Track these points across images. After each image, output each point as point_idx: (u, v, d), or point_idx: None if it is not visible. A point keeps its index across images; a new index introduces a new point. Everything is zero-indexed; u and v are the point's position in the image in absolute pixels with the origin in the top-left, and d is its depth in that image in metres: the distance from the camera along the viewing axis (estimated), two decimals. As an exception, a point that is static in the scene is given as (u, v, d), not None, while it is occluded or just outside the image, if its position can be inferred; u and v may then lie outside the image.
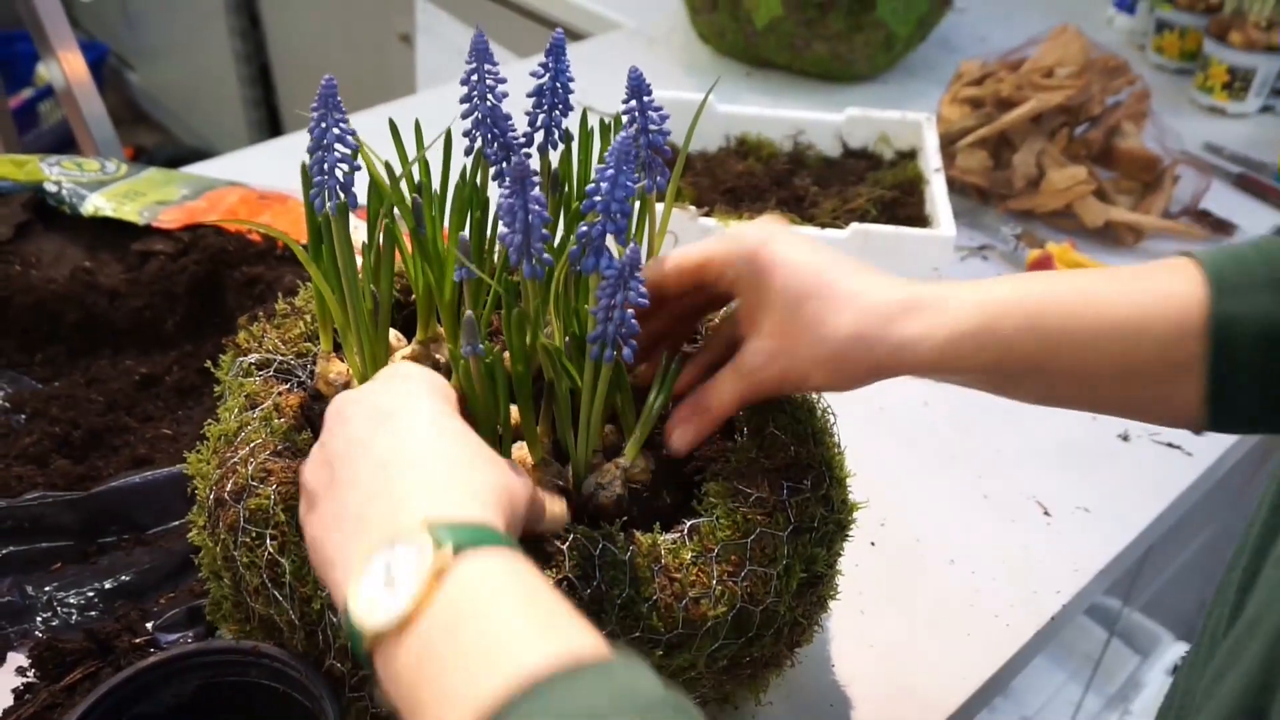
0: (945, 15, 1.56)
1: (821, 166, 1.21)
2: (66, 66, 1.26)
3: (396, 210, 0.61)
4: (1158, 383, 0.54)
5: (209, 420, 0.64)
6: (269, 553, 0.56)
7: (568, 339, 0.59)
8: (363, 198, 0.59)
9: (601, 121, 0.63)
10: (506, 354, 0.58)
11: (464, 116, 0.60)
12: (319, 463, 0.50)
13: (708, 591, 0.55)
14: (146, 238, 0.97)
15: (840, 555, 0.63)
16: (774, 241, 0.57)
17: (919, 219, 1.09)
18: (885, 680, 0.72)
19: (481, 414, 0.57)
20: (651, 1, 1.70)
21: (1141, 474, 0.92)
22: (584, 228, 0.54)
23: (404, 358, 0.67)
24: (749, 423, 0.63)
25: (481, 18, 1.82)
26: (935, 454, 0.92)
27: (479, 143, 0.61)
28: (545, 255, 0.54)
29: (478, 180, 0.63)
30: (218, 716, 0.58)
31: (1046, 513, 0.87)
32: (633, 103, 0.60)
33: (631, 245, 0.52)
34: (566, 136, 0.64)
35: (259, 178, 1.10)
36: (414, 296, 0.67)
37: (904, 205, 1.11)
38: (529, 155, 0.56)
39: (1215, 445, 0.95)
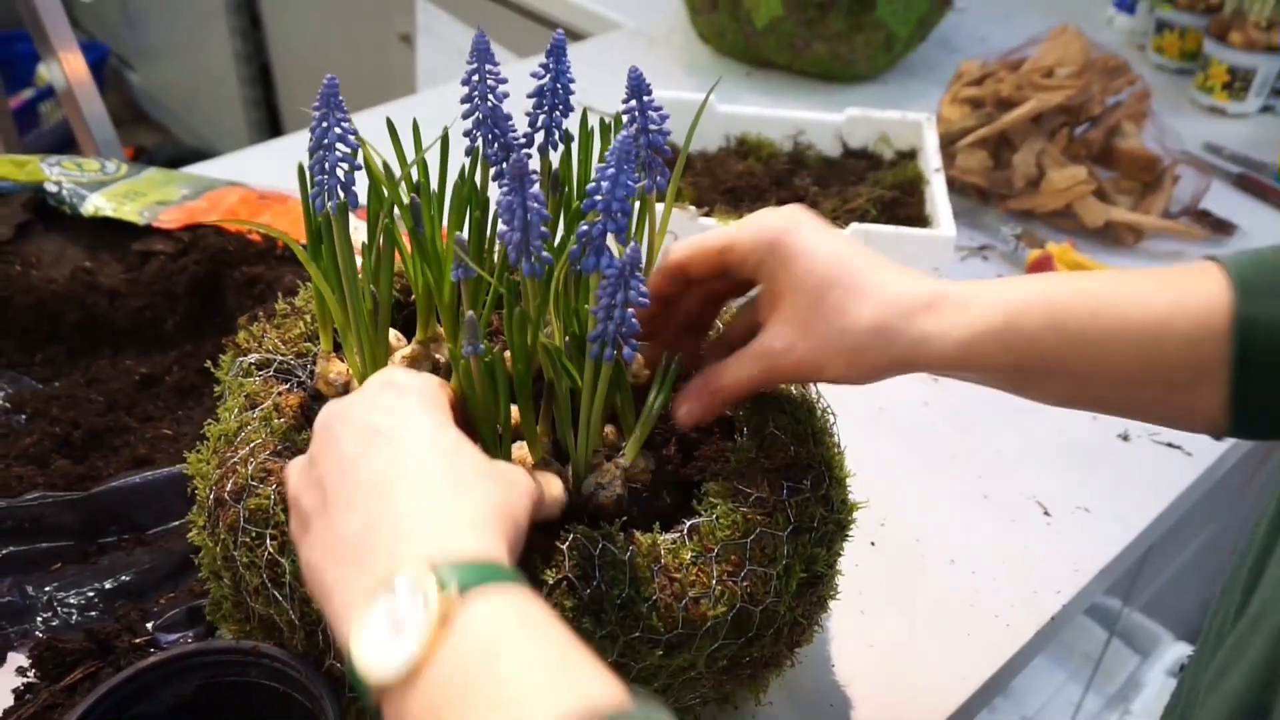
0: (945, 15, 1.56)
1: (821, 166, 1.21)
2: (67, 67, 1.26)
3: (396, 210, 0.61)
4: (1180, 386, 0.53)
5: (209, 420, 0.65)
6: (269, 553, 0.56)
7: (568, 338, 0.59)
8: (362, 198, 0.59)
9: (602, 121, 0.63)
10: (507, 353, 0.58)
11: (464, 117, 0.60)
12: (309, 481, 0.48)
13: (708, 591, 0.55)
14: (147, 238, 0.98)
15: (840, 555, 0.63)
16: (799, 229, 0.57)
17: (919, 219, 1.09)
18: (885, 680, 0.72)
19: (481, 414, 0.57)
20: (651, 1, 1.70)
21: (1141, 474, 0.92)
22: (584, 227, 0.54)
23: (404, 358, 0.67)
24: (749, 423, 0.63)
25: (482, 18, 1.82)
26: (935, 454, 0.92)
27: (479, 143, 0.61)
28: (545, 253, 0.54)
29: (477, 180, 0.63)
30: (218, 716, 0.58)
31: (1046, 513, 0.87)
32: (633, 103, 0.60)
33: (632, 245, 0.52)
34: (567, 137, 0.64)
35: (259, 178, 1.10)
36: (414, 296, 0.67)
37: (904, 205, 1.11)
38: (529, 155, 0.56)
39: (1215, 445, 0.95)
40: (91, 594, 0.71)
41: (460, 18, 1.89)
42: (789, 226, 0.57)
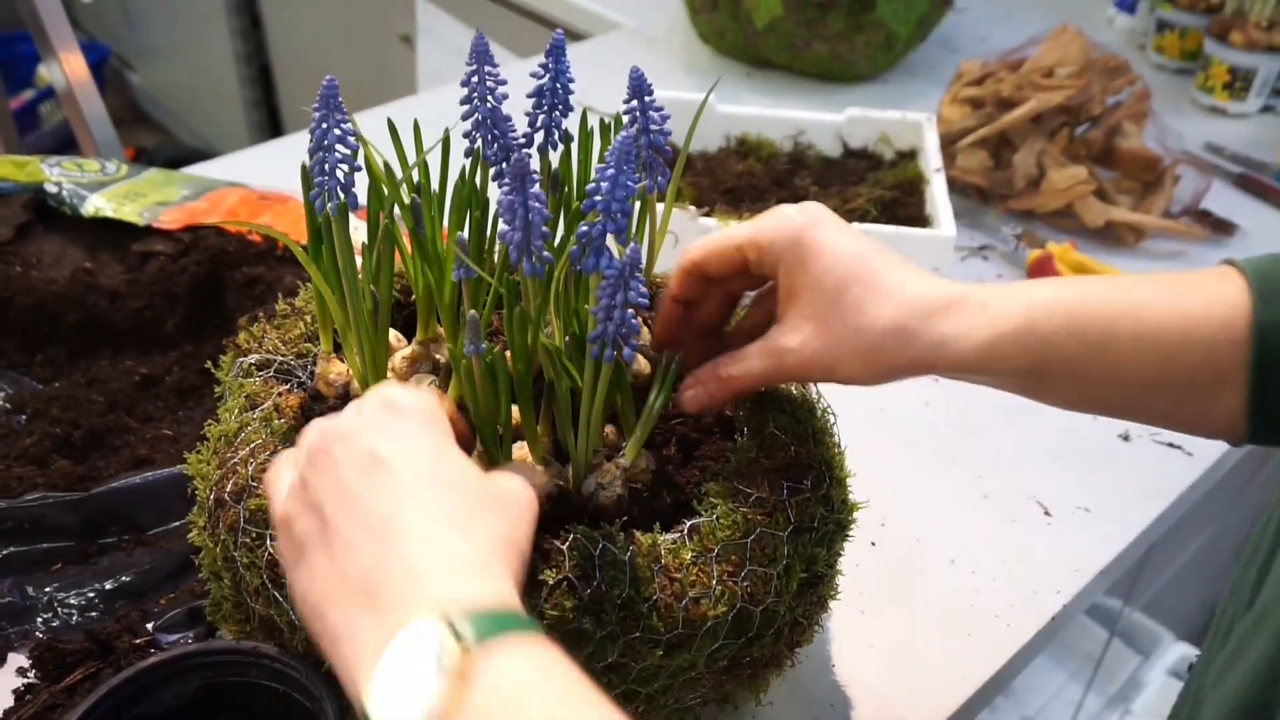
0: (945, 15, 1.56)
1: (822, 166, 1.21)
2: (67, 67, 1.26)
3: (396, 211, 0.61)
4: (1198, 391, 0.53)
5: (209, 421, 0.65)
6: (269, 553, 0.56)
7: (568, 339, 0.59)
8: (362, 198, 0.59)
9: (602, 121, 0.63)
10: (507, 353, 0.58)
11: (464, 118, 0.61)
12: (304, 504, 0.46)
13: (708, 591, 0.55)
14: (147, 238, 0.98)
15: (840, 555, 0.63)
16: (820, 226, 0.56)
17: (919, 219, 1.09)
18: (885, 680, 0.72)
19: (482, 414, 0.57)
20: (651, 1, 1.71)
21: (1141, 474, 0.92)
22: (584, 227, 0.54)
23: (404, 358, 0.67)
24: (749, 423, 0.63)
25: (482, 18, 1.82)
26: (935, 454, 0.92)
27: (479, 143, 0.61)
28: (545, 253, 0.55)
29: (477, 181, 0.63)
30: (218, 717, 0.58)
31: (1047, 513, 0.87)
32: (633, 103, 0.60)
33: (632, 245, 0.52)
34: (566, 137, 0.64)
35: (259, 178, 1.10)
36: (414, 297, 0.68)
37: (904, 205, 1.11)
38: (529, 155, 0.56)
39: (1215, 445, 0.95)
40: (92, 594, 0.71)
41: (460, 18, 1.89)
42: (809, 223, 0.56)
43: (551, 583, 0.53)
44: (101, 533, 0.75)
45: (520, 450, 0.61)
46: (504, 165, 0.60)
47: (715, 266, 0.60)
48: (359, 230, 0.68)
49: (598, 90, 1.09)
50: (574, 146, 0.64)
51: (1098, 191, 1.21)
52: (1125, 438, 0.95)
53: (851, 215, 1.08)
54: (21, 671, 0.66)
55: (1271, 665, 0.45)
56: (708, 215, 1.02)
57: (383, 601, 0.41)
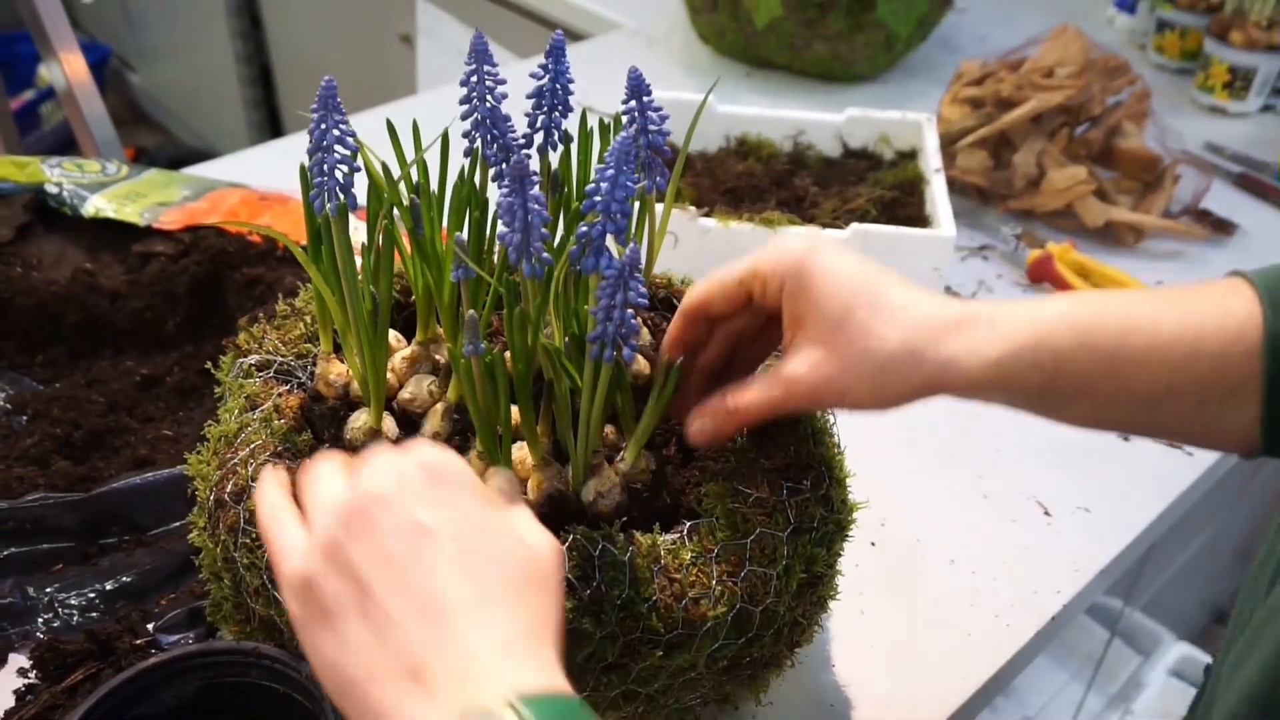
0: (945, 15, 1.56)
1: (821, 167, 1.21)
2: (67, 68, 1.27)
3: (395, 211, 0.61)
4: (1210, 404, 0.53)
5: (209, 421, 0.65)
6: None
7: (567, 339, 0.59)
8: (362, 199, 0.59)
9: (601, 122, 0.63)
10: (507, 354, 0.58)
11: (463, 118, 0.61)
12: (336, 569, 0.44)
13: (708, 592, 0.55)
14: (147, 239, 0.98)
15: (840, 555, 0.63)
16: (820, 251, 0.56)
17: (919, 219, 1.09)
18: (885, 680, 0.73)
19: (482, 414, 0.57)
20: (651, 1, 1.71)
21: (1141, 474, 0.92)
22: (584, 228, 0.54)
23: (404, 359, 0.67)
24: (749, 423, 0.63)
25: (482, 18, 1.82)
26: (935, 454, 0.92)
27: (478, 144, 0.61)
28: (545, 254, 0.55)
29: (476, 181, 0.63)
30: (218, 717, 0.58)
31: (1046, 513, 0.87)
32: (632, 103, 0.60)
33: (631, 245, 0.52)
34: (566, 138, 0.64)
35: (260, 179, 1.11)
36: (413, 297, 0.68)
37: (904, 205, 1.11)
38: (528, 156, 0.56)
39: (1216, 445, 0.95)
40: (92, 595, 0.71)
41: (460, 18, 1.89)
42: (810, 249, 0.56)
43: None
44: (102, 533, 0.75)
45: (520, 450, 0.61)
46: (503, 166, 0.60)
47: (719, 305, 0.59)
48: (358, 231, 0.69)
49: (597, 90, 1.09)
50: (574, 147, 0.64)
51: (1098, 191, 1.21)
52: (1125, 437, 0.95)
53: (851, 215, 1.08)
54: (22, 672, 0.66)
55: None
56: (708, 215, 1.02)
57: (435, 682, 0.41)
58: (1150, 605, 1.50)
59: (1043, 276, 1.12)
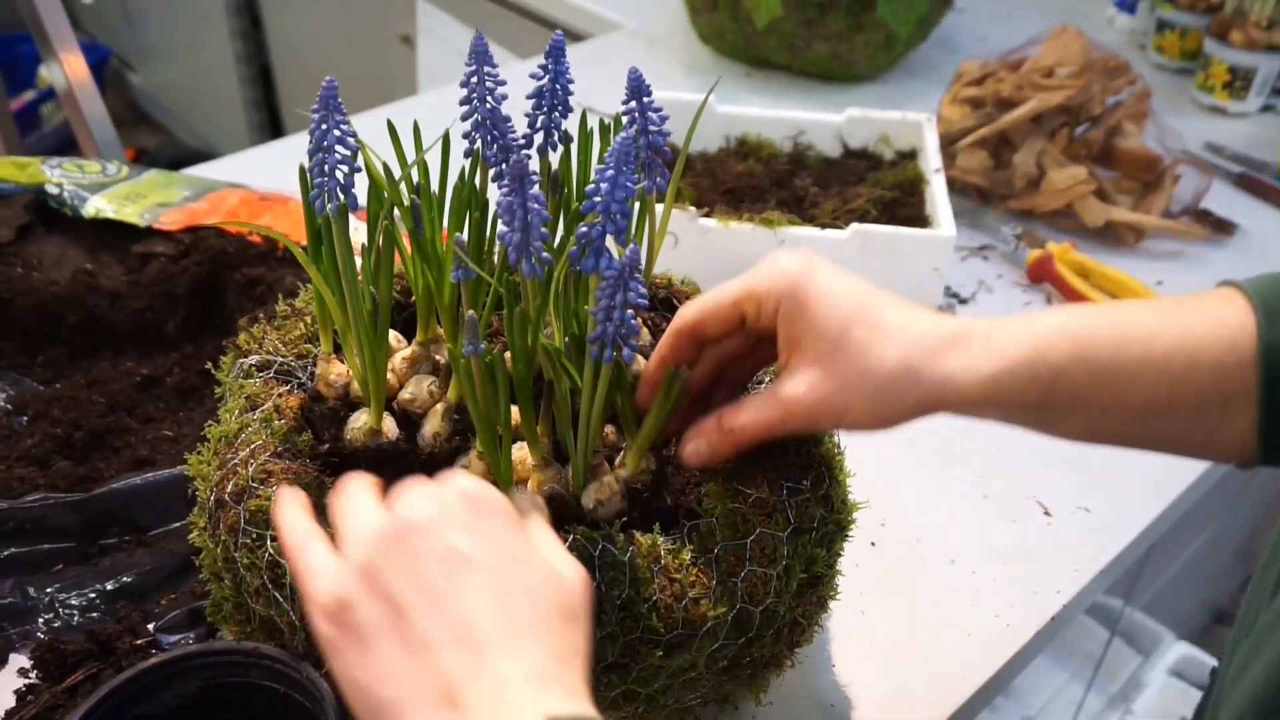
0: (945, 15, 1.56)
1: (821, 167, 1.21)
2: (68, 68, 1.27)
3: (396, 212, 0.61)
4: (1206, 414, 0.53)
5: (210, 422, 0.65)
6: (270, 554, 0.56)
7: (567, 339, 0.59)
8: (362, 199, 0.59)
9: (601, 122, 0.63)
10: (507, 354, 0.58)
11: (464, 118, 0.61)
12: (371, 593, 0.45)
13: (708, 592, 0.55)
14: (147, 239, 0.98)
15: (840, 555, 0.63)
16: (815, 271, 0.56)
17: (919, 219, 1.09)
18: (885, 680, 0.73)
19: (482, 414, 0.57)
20: (651, 1, 1.71)
21: (1141, 474, 0.92)
22: (584, 228, 0.54)
23: (404, 359, 0.67)
24: (749, 423, 0.63)
25: (482, 18, 1.82)
26: (935, 454, 0.92)
27: (478, 144, 0.61)
28: (545, 254, 0.55)
29: (477, 181, 0.63)
30: (219, 718, 0.58)
31: (1046, 513, 0.87)
32: (632, 103, 0.60)
33: (631, 246, 0.52)
34: (566, 138, 0.64)
35: (260, 179, 1.11)
36: (414, 298, 0.68)
37: (904, 205, 1.11)
38: (528, 156, 0.56)
39: (1216, 445, 0.95)
40: (93, 595, 0.71)
41: (460, 18, 1.89)
42: (805, 268, 0.56)
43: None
44: (102, 533, 0.76)
45: (520, 451, 0.61)
46: (503, 166, 0.60)
47: (712, 327, 0.59)
48: (359, 231, 0.69)
49: (597, 91, 1.09)
50: (574, 147, 0.64)
51: (1098, 191, 1.21)
52: (1125, 438, 0.95)
53: (851, 215, 1.08)
54: (23, 672, 0.66)
55: None
56: (707, 216, 1.02)
57: (469, 707, 0.41)
58: (1150, 605, 1.50)
59: (1043, 276, 1.12)
